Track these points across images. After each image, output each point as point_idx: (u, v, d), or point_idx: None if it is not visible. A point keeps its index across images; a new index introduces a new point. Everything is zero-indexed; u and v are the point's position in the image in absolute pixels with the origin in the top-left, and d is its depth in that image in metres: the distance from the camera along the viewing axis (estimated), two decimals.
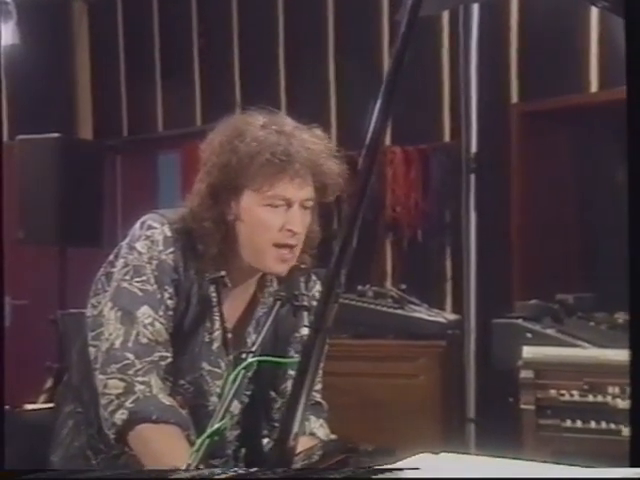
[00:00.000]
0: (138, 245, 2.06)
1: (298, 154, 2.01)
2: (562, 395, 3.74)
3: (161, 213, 2.11)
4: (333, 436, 2.20)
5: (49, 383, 4.14)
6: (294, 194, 2.02)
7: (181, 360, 2.07)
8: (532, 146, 5.01)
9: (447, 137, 5.30)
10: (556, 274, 4.87)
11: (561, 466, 1.65)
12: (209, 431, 1.78)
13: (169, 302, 2.05)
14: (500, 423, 3.94)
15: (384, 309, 4.73)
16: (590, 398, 3.70)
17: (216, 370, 2.11)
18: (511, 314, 4.20)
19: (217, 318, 2.10)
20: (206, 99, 6.11)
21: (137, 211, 2.17)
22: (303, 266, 2.10)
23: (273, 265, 2.05)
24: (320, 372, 2.04)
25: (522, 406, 3.80)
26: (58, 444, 2.16)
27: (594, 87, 4.81)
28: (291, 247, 2.04)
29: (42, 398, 3.92)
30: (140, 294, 2.03)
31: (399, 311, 4.72)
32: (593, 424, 3.70)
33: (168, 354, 2.03)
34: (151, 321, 2.01)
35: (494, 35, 4.85)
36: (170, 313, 2.05)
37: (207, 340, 2.10)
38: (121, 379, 1.96)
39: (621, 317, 3.98)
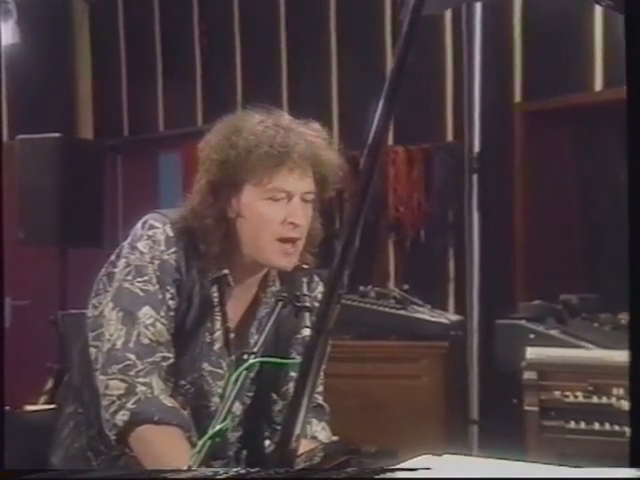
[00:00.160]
0: (140, 245, 2.05)
1: (296, 145, 2.01)
2: (566, 396, 3.72)
3: (163, 213, 2.10)
4: (335, 437, 2.19)
5: (49, 384, 4.13)
6: (294, 186, 2.01)
7: (182, 360, 2.06)
8: (535, 146, 5.00)
9: (450, 137, 5.30)
10: (559, 274, 4.86)
11: (565, 468, 1.64)
12: (211, 432, 1.77)
13: (171, 302, 2.04)
14: (503, 425, 3.93)
15: (386, 310, 4.72)
16: (594, 399, 3.68)
17: (217, 371, 2.10)
18: (514, 315, 4.19)
19: (218, 318, 2.09)
20: (207, 99, 6.11)
21: (138, 211, 2.16)
22: (305, 266, 2.09)
23: (277, 259, 2.04)
24: (322, 374, 2.03)
25: (526, 407, 3.79)
26: (58, 445, 2.16)
27: (598, 86, 4.80)
28: (294, 241, 2.03)
29: (42, 399, 3.91)
30: (142, 294, 2.02)
31: (402, 312, 4.71)
32: (597, 426, 3.68)
33: (170, 355, 2.02)
34: (153, 322, 2.00)
35: (497, 34, 4.83)
36: (172, 313, 2.04)
37: (208, 340, 2.09)
38: (122, 380, 1.96)
39: (625, 318, 3.96)
